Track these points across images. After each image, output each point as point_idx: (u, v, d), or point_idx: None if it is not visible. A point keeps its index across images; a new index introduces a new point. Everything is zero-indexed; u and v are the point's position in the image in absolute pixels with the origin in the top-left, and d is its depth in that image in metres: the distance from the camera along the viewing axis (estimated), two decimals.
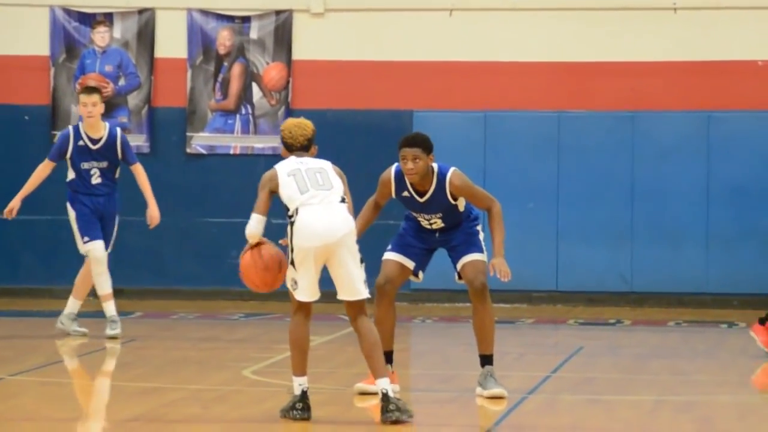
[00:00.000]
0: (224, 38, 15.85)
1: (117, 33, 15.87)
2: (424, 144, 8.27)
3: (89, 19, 15.63)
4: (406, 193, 8.32)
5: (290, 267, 7.36)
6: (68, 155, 12.06)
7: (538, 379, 10.46)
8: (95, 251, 11.95)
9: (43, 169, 12.48)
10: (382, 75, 15.27)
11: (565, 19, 14.73)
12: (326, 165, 7.84)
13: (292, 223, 7.34)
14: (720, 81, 14.57)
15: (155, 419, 8.45)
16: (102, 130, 12.05)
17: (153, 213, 12.45)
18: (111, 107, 15.39)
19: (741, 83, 14.53)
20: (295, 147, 7.53)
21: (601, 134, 14.36)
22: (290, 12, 15.45)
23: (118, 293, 14.88)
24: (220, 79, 15.29)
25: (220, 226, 14.93)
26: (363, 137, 14.95)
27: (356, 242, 7.59)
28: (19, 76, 15.45)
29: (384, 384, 7.23)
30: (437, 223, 8.44)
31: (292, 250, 7.31)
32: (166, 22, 15.76)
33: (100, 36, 15.76)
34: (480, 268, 8.39)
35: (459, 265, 8.45)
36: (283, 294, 14.87)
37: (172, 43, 15.97)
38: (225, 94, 15.14)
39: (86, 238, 11.99)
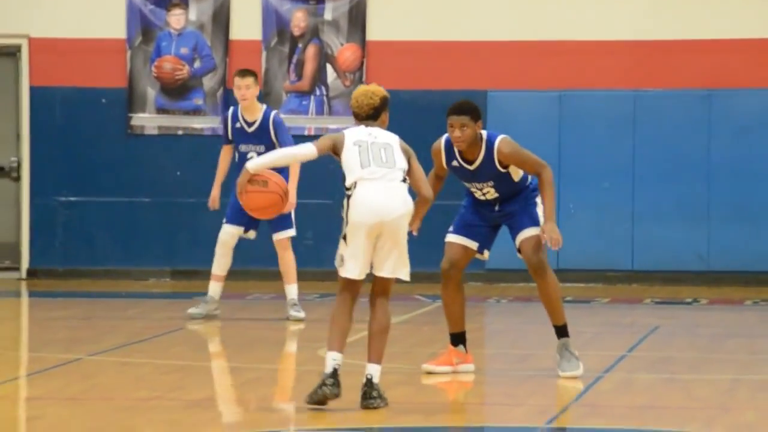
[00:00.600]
0: (299, 20, 15.81)
1: (192, 15, 15.88)
2: (471, 111, 8.22)
3: (165, 2, 15.75)
4: (455, 163, 8.33)
5: (341, 242, 7.29)
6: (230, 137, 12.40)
7: (614, 358, 10.43)
8: (222, 233, 12.17)
9: (225, 154, 12.65)
10: (455, 55, 15.22)
11: None
12: (393, 140, 7.75)
13: (348, 197, 7.27)
14: None
15: (230, 400, 8.56)
16: (257, 112, 12.14)
17: (290, 200, 12.13)
18: (186, 89, 15.77)
19: None
20: (361, 116, 7.44)
21: (677, 113, 14.36)
22: None
23: (193, 274, 15.46)
24: (294, 60, 15.26)
25: (298, 206, 14.98)
26: (437, 117, 14.81)
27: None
28: (96, 59, 15.51)
29: (372, 370, 7.24)
30: (490, 192, 8.39)
31: (346, 224, 7.26)
32: (241, 4, 15.81)
33: (176, 18, 15.83)
34: (536, 245, 8.39)
35: (517, 242, 8.45)
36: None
37: (246, 25, 15.95)
38: (300, 76, 15.18)
39: (224, 219, 12.18)
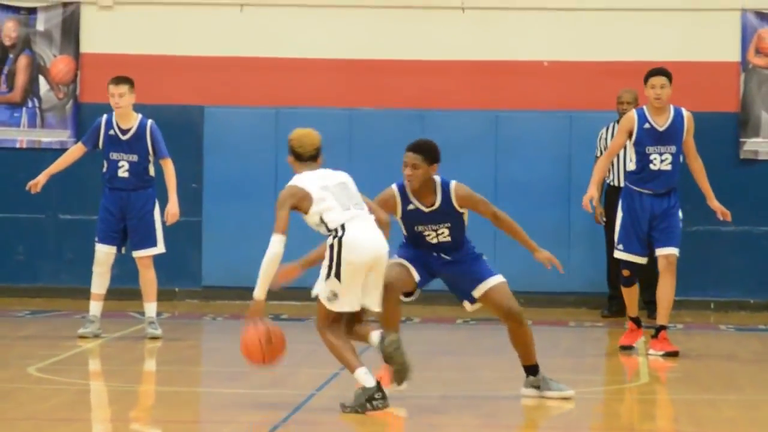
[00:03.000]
0: (9, 29, 15.44)
1: None
2: (427, 152, 8.18)
3: None
4: (411, 206, 8.22)
5: (332, 280, 7.54)
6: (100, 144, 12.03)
7: (327, 376, 10.04)
8: (98, 253, 11.90)
9: (75, 152, 12.36)
10: (172, 70, 15.08)
11: (356, 15, 14.87)
12: (346, 177, 8.12)
13: (339, 239, 7.52)
14: (506, 80, 14.88)
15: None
16: (133, 120, 11.94)
17: (173, 210, 12.18)
18: None
19: (526, 83, 14.86)
20: (304, 157, 7.71)
21: (390, 131, 14.51)
22: (78, 4, 15.24)
23: None
24: (5, 71, 14.89)
25: (5, 221, 14.69)
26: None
27: None
28: None
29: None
30: (444, 234, 8.30)
31: (338, 265, 7.52)
32: None
33: None
34: (508, 292, 8.33)
35: (480, 291, 8.33)
36: (67, 290, 14.51)
37: None
38: (11, 87, 14.85)
39: (96, 239, 11.91)
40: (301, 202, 7.95)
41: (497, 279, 8.22)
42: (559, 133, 14.67)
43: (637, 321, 11.37)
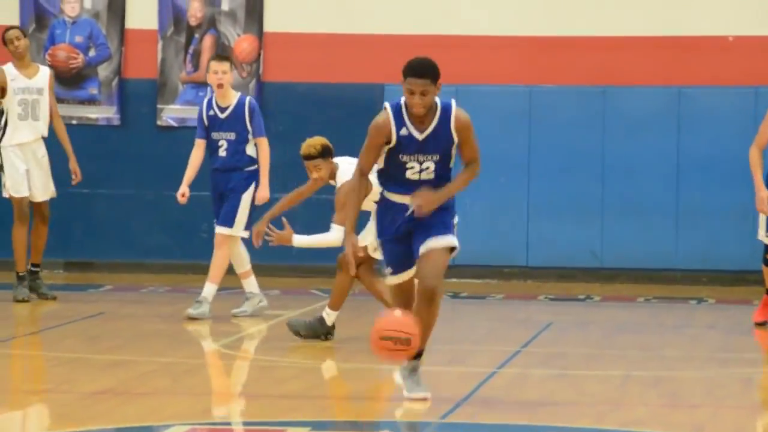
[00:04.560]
0: (195, 9, 15.68)
1: (87, 3, 15.76)
2: (434, 73, 7.44)
3: None
4: (404, 131, 7.49)
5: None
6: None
7: (508, 354, 10.59)
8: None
9: (198, 149, 12.44)
10: (352, 47, 15.28)
11: None
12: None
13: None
14: (690, 56, 14.87)
15: (125, 392, 8.47)
16: (232, 98, 12.01)
17: (263, 193, 12.25)
18: (81, 79, 15.59)
19: (711, 59, 14.84)
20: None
21: (572, 109, 14.65)
22: None
23: (87, 266, 15.52)
24: (191, 51, 15.23)
25: (193, 199, 15.09)
26: (334, 110, 15.32)
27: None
28: None
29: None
30: (429, 169, 7.54)
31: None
32: None
33: (70, 6, 15.68)
34: (440, 265, 7.53)
35: (422, 248, 7.55)
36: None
37: (142, 14, 15.84)
38: (196, 66, 15.13)
39: (216, 220, 12.18)
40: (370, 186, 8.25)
41: (438, 241, 7.45)
42: (744, 109, 14.59)
43: None
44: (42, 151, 13.05)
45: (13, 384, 9.67)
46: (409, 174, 7.53)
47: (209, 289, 11.66)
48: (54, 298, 13.15)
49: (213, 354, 10.92)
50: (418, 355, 7.68)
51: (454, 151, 7.54)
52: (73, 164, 13.12)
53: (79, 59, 15.65)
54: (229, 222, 12.02)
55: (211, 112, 11.99)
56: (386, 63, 15.10)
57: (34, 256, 13.18)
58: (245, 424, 7.82)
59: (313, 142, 10.20)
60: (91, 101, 15.83)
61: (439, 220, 7.49)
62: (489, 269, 15.28)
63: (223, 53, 13.39)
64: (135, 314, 12.92)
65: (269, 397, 8.32)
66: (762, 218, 11.62)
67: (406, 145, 7.46)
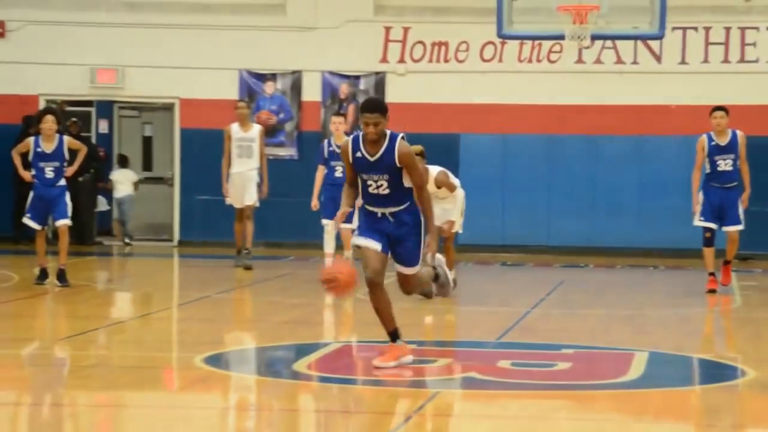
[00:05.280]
0: (344, 89, 19.54)
1: (279, 85, 19.67)
2: (382, 109, 8.29)
3: (262, 77, 19.66)
4: (359, 154, 8.21)
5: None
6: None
7: (537, 300, 13.26)
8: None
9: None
10: (438, 111, 19.00)
11: None
12: None
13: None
14: None
15: (303, 321, 11.84)
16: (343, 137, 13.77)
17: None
18: (275, 132, 19.16)
19: None
20: None
21: None
22: (384, 73, 19.49)
23: (278, 245, 18.66)
24: (342, 111, 17.93)
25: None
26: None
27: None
28: (221, 112, 17.74)
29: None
30: (383, 186, 8.28)
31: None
32: (309, 79, 19.68)
33: (269, 87, 19.68)
34: (418, 283, 8.73)
35: (401, 270, 8.61)
36: None
37: (312, 91, 19.66)
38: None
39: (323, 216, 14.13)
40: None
41: (415, 270, 8.52)
42: None
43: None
44: (252, 175, 15.62)
45: (241, 317, 12.72)
46: (370, 189, 8.31)
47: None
48: (250, 268, 15.66)
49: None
50: (396, 336, 8.63)
51: (402, 173, 8.24)
52: (265, 185, 15.71)
53: (274, 120, 19.38)
54: (349, 220, 12.96)
55: (331, 148, 14.36)
56: (461, 121, 19.18)
57: (246, 240, 15.80)
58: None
59: (414, 148, 10.15)
60: (280, 145, 19.41)
61: (409, 245, 8.48)
62: (523, 246, 19.05)
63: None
64: (310, 276, 14.77)
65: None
66: (696, 211, 13.64)
67: (361, 165, 8.23)
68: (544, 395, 8.27)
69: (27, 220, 14.18)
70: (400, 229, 8.31)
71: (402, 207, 8.30)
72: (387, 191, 8.20)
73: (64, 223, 14.02)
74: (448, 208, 12.72)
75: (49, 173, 13.77)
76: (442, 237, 12.16)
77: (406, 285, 8.52)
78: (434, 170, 12.35)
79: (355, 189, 8.36)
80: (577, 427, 7.38)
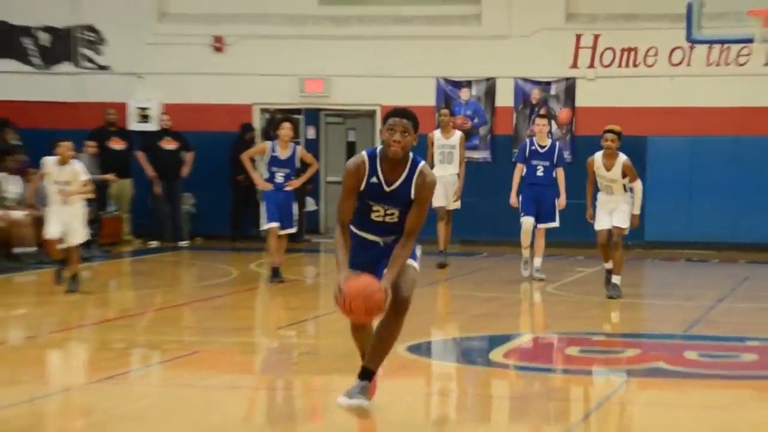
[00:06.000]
0: (535, 94, 20.13)
1: (474, 92, 20.46)
2: (414, 119, 6.76)
3: (458, 84, 20.44)
4: (374, 179, 6.79)
5: None
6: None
7: (723, 294, 13.66)
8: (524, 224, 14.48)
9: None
10: (623, 114, 18.44)
11: None
12: None
13: None
14: None
15: (495, 314, 11.97)
16: (546, 141, 14.71)
17: (562, 201, 14.71)
18: (470, 136, 19.41)
19: None
20: None
21: None
22: (574, 78, 20.06)
23: (472, 242, 19.22)
24: (532, 119, 18.17)
25: None
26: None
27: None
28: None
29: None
30: (394, 215, 6.91)
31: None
32: (502, 85, 20.33)
33: (464, 93, 20.45)
34: (413, 279, 6.90)
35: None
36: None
37: (505, 97, 20.28)
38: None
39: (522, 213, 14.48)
40: None
41: (408, 261, 6.89)
42: None
43: None
44: (453, 180, 15.95)
45: (439, 310, 13.05)
46: (374, 216, 6.85)
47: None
48: (445, 266, 15.99)
49: (534, 293, 13.60)
50: (370, 376, 6.95)
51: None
52: (459, 189, 15.89)
53: (469, 125, 20.05)
54: (552, 218, 14.67)
55: (533, 147, 14.70)
56: (650, 124, 19.52)
57: (443, 241, 16.20)
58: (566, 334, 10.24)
59: (613, 127, 12.34)
60: (475, 148, 19.87)
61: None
62: (710, 243, 19.39)
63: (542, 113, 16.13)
64: (502, 272, 16.05)
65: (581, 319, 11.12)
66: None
67: (374, 193, 6.77)
68: (732, 385, 8.49)
69: (267, 223, 14.54)
70: (389, 251, 6.96)
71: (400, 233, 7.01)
72: (396, 219, 6.94)
73: (288, 231, 14.66)
74: (617, 200, 12.83)
75: (279, 178, 14.32)
76: (611, 238, 12.57)
77: (408, 281, 6.95)
78: (623, 157, 12.61)
79: (347, 231, 6.95)
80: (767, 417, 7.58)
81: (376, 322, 6.87)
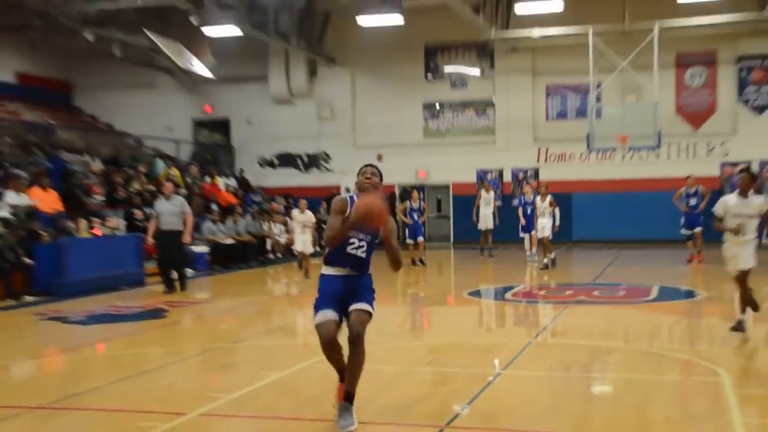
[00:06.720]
0: (521, 176, 30.53)
1: (493, 174, 31.81)
2: (378, 170, 8.18)
3: (486, 171, 31.69)
4: (353, 211, 7.77)
5: None
6: None
7: None
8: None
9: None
10: (561, 182, 28.92)
11: None
12: None
13: None
14: None
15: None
16: None
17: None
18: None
19: None
20: None
21: None
22: (537, 168, 31.03)
23: None
24: (521, 185, 27.67)
25: None
26: None
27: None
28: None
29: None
30: (362, 248, 7.86)
31: None
32: (506, 170, 31.53)
33: (488, 175, 31.71)
34: (364, 319, 7.72)
35: (351, 307, 7.82)
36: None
37: (507, 176, 31.99)
38: None
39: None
40: None
41: (363, 305, 7.75)
42: None
43: None
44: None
45: (486, 274, 20.57)
46: (349, 249, 7.88)
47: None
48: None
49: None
50: (350, 399, 7.87)
51: (373, 243, 7.95)
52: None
53: (492, 188, 27.89)
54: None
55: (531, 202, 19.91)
56: (572, 188, 30.90)
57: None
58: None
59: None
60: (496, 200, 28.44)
61: (365, 294, 7.91)
62: None
63: None
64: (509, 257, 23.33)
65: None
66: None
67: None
68: (617, 306, 11.18)
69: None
70: (354, 284, 7.98)
71: (364, 276, 8.08)
72: (364, 255, 7.94)
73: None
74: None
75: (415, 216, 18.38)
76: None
77: (360, 322, 7.84)
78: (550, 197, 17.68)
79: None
80: None
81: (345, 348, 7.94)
